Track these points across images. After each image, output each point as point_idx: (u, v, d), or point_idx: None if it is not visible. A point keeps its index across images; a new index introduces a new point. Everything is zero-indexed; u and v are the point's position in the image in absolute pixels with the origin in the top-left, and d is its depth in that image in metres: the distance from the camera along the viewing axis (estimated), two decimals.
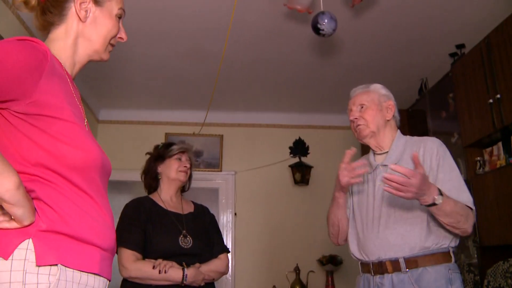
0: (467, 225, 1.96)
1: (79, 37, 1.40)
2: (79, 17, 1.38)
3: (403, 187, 1.78)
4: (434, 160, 2.07)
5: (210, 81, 4.42)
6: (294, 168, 5.25)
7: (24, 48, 1.15)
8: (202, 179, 5.19)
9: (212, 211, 2.83)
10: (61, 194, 1.18)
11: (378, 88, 2.30)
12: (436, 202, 1.86)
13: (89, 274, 1.20)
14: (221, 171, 5.40)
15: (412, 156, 1.86)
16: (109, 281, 1.32)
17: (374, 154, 2.29)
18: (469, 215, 1.97)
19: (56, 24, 1.39)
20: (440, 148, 2.11)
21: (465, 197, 2.00)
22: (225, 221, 5.22)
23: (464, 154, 3.58)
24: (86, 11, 1.39)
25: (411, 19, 3.58)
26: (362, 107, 2.24)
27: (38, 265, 1.08)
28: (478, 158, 3.48)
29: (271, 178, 5.34)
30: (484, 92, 3.31)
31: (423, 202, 1.88)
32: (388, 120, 2.25)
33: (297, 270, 4.83)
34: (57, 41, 1.38)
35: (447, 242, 2.02)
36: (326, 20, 2.76)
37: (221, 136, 5.49)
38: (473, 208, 2.00)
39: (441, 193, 1.87)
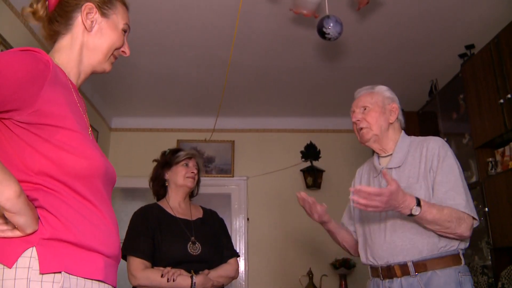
0: (460, 230, 1.92)
1: (83, 47, 1.42)
2: (85, 27, 1.41)
3: (369, 203, 1.80)
4: (434, 161, 2.05)
5: (221, 87, 4.44)
6: (306, 172, 5.24)
7: (25, 58, 1.17)
8: (215, 184, 5.22)
9: (224, 217, 2.83)
10: (64, 203, 1.19)
11: (382, 90, 2.28)
12: (413, 213, 1.86)
13: (93, 281, 1.20)
14: (233, 176, 5.41)
15: (382, 174, 1.83)
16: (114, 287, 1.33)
17: (379, 157, 2.27)
18: (461, 220, 1.92)
19: (62, 34, 1.42)
20: (441, 149, 2.08)
21: (460, 201, 1.95)
22: (238, 226, 5.23)
23: (476, 155, 3.54)
24: (92, 21, 1.42)
25: (418, 21, 3.56)
26: (365, 109, 2.23)
27: (42, 273, 1.09)
28: (490, 159, 3.44)
29: (283, 182, 5.34)
30: (494, 92, 3.28)
31: (401, 213, 1.89)
32: (391, 123, 2.23)
33: (310, 274, 4.82)
34: (63, 51, 1.41)
35: (456, 244, 1.99)
36: (331, 24, 2.75)
37: (233, 142, 5.50)
38: (469, 213, 1.94)
39: (419, 204, 1.86)
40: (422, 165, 2.08)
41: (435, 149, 2.08)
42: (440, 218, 1.89)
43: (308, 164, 5.26)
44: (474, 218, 1.96)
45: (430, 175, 2.04)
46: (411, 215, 1.87)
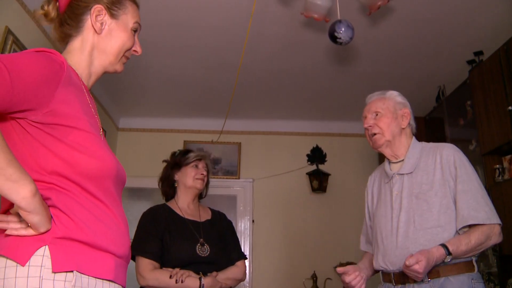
0: (491, 243, 1.97)
1: (94, 49, 1.43)
2: (95, 29, 1.42)
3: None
4: (452, 170, 2.05)
5: (229, 89, 4.44)
6: (312, 175, 5.24)
7: (41, 59, 1.18)
8: (220, 186, 5.23)
9: (230, 218, 2.82)
10: (77, 202, 1.20)
11: (394, 96, 2.28)
12: (446, 261, 1.90)
13: (104, 281, 1.21)
14: (239, 178, 5.42)
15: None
16: None
17: (390, 163, 2.27)
18: (490, 234, 1.95)
19: (73, 36, 1.43)
20: (457, 156, 2.08)
21: (483, 213, 1.96)
22: (243, 228, 5.23)
23: (483, 162, 3.53)
24: (102, 23, 1.43)
25: (428, 27, 3.56)
26: (376, 115, 2.23)
27: (54, 272, 1.10)
28: (497, 165, 3.43)
29: (288, 185, 5.34)
30: (502, 99, 3.28)
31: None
32: (403, 128, 2.23)
33: (314, 277, 4.82)
34: (74, 52, 1.42)
35: None
36: (343, 29, 2.76)
37: (239, 144, 5.51)
38: (494, 222, 1.96)
39: (449, 252, 1.89)
40: (438, 172, 2.07)
41: (450, 157, 2.08)
42: (471, 249, 1.93)
43: (314, 167, 5.25)
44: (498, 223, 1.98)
45: (450, 184, 2.03)
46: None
